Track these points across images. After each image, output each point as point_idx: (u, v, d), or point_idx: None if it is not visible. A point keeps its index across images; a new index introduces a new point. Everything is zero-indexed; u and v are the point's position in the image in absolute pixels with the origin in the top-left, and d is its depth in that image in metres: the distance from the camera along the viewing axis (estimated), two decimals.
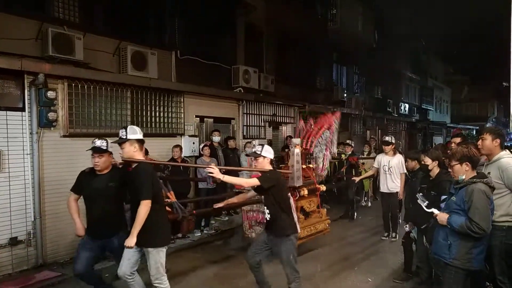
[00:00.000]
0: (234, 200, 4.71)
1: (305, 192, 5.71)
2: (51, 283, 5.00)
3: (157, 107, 7.34)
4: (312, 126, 6.36)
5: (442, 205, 3.57)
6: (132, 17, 7.48)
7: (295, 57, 11.93)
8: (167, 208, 4.24)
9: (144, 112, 7.11)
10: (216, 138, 7.83)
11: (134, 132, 3.72)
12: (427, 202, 3.58)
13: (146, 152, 6.56)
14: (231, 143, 8.25)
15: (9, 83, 5.34)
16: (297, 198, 5.63)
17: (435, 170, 4.33)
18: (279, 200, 3.98)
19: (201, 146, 7.61)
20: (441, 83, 27.53)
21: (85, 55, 6.22)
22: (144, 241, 3.55)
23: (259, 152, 4.08)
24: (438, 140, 23.99)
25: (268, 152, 4.12)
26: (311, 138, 6.11)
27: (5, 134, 5.25)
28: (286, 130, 11.06)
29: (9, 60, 5.18)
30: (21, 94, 5.42)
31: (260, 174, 4.14)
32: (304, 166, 5.89)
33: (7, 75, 5.24)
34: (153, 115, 7.26)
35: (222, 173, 3.76)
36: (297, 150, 5.53)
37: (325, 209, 6.42)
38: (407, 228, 4.86)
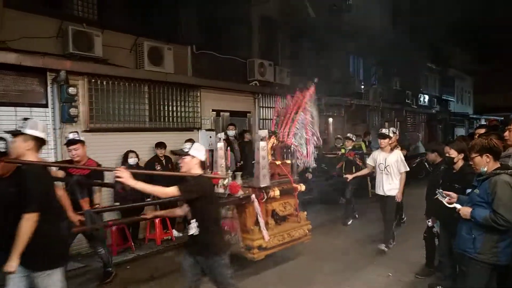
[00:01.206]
0: (162, 212, 4.20)
1: (275, 193, 4.99)
2: (75, 274, 5.18)
3: (174, 102, 7.47)
4: (286, 112, 5.50)
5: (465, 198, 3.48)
6: (148, 13, 7.59)
7: (310, 49, 11.85)
8: (80, 218, 3.66)
9: (161, 106, 7.25)
10: (231, 132, 7.90)
11: (34, 127, 3.04)
12: (447, 197, 3.52)
13: (165, 146, 6.71)
14: (247, 137, 8.33)
15: (33, 81, 5.54)
16: (264, 200, 4.92)
17: (459, 163, 4.17)
18: (206, 213, 3.30)
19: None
20: (463, 73, 26.79)
21: (104, 51, 6.38)
22: (29, 263, 2.85)
23: (186, 150, 3.40)
24: (460, 131, 23.39)
25: (198, 151, 3.40)
26: (287, 127, 5.25)
27: None
28: None
29: (32, 58, 5.38)
30: (44, 91, 5.62)
31: None
32: (278, 162, 5.22)
33: (30, 72, 5.45)
34: (170, 109, 7.39)
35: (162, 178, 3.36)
36: (263, 144, 4.83)
37: (305, 213, 5.63)
38: (429, 223, 4.77)
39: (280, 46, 10.89)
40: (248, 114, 9.28)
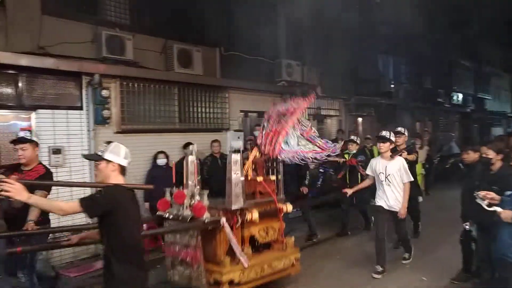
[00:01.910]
0: (88, 234, 3.33)
1: (253, 215, 4.11)
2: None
3: (203, 103, 7.57)
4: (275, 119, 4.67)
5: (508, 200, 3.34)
6: (177, 16, 7.71)
7: (339, 48, 11.68)
8: None
9: (190, 108, 7.36)
10: (258, 133, 7.89)
11: None
12: (486, 200, 3.37)
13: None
14: None
15: (69, 84, 5.77)
16: (237, 225, 4.08)
17: (497, 163, 4.00)
18: (115, 236, 2.54)
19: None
20: (500, 70, 25.67)
21: (135, 54, 6.53)
22: None
23: (100, 154, 2.67)
24: (498, 131, 22.42)
25: (115, 154, 2.64)
26: (275, 137, 4.46)
27: (66, 132, 5.68)
28: (331, 123, 10.92)
29: (69, 63, 5.61)
30: (79, 94, 5.84)
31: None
32: (260, 179, 4.45)
33: (67, 76, 5.68)
34: (199, 110, 7.49)
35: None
36: (236, 157, 4.07)
37: (293, 238, 4.83)
38: (467, 227, 4.59)
39: (307, 46, 10.80)
40: None
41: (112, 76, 6.15)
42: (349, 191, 5.63)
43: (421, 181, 9.68)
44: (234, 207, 3.97)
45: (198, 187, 4.23)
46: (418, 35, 13.84)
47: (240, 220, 4.07)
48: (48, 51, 5.68)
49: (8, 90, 5.26)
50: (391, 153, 5.10)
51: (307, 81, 10.04)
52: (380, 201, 5.12)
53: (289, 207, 4.56)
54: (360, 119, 12.21)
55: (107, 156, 2.62)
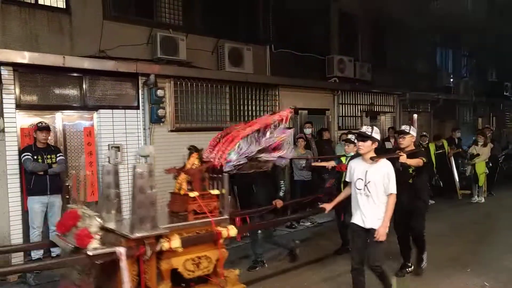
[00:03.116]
0: None
1: (173, 244, 3.11)
2: None
3: (254, 101, 7.58)
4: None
5: None
6: (227, 15, 7.80)
7: (393, 42, 11.22)
8: None
9: (241, 106, 7.40)
10: (308, 130, 7.76)
11: None
12: None
13: None
14: (325, 135, 8.17)
15: (127, 85, 6.02)
16: (147, 256, 3.03)
17: None
18: None
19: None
20: None
21: (187, 54, 6.69)
22: None
23: None
24: None
25: None
26: (226, 143, 3.72)
27: (124, 130, 5.94)
28: (385, 120, 10.52)
29: (127, 65, 5.86)
30: (136, 94, 6.07)
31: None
32: (194, 194, 3.43)
33: (125, 77, 5.93)
34: (250, 109, 7.52)
35: None
36: (142, 169, 3.11)
37: (237, 271, 3.75)
38: None
39: (360, 40, 10.49)
40: (326, 111, 9.09)
41: (166, 76, 6.33)
42: (328, 207, 4.35)
43: (484, 180, 9.11)
44: (136, 234, 2.96)
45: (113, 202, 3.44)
46: (481, 24, 12.89)
47: (148, 251, 3.03)
48: (107, 54, 5.99)
49: (74, 92, 5.59)
50: (373, 155, 3.72)
51: (360, 77, 9.75)
52: (355, 217, 3.82)
53: (231, 231, 3.51)
54: (415, 116, 11.64)
55: None
